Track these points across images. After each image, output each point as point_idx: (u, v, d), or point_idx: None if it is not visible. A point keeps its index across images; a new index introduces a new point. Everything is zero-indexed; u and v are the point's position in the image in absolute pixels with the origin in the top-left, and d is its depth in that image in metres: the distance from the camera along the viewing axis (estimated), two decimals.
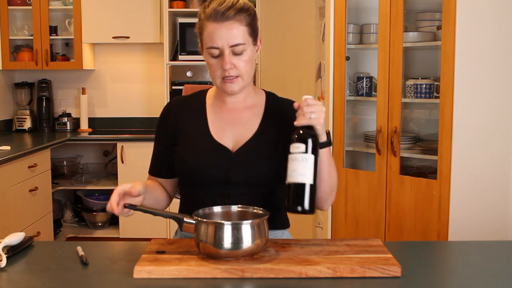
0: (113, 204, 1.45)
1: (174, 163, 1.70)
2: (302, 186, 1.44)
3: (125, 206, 1.47)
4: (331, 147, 1.60)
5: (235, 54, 1.57)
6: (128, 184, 1.48)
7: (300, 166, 1.44)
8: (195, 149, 1.66)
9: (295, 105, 1.51)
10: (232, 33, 1.55)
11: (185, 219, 1.43)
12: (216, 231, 1.35)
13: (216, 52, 1.57)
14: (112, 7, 4.41)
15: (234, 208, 1.52)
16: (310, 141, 1.46)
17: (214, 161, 1.64)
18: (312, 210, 1.45)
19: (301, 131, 1.47)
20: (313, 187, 1.45)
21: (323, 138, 1.51)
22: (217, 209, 1.51)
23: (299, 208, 1.44)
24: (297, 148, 1.45)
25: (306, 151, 1.45)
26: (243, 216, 1.49)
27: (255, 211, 1.49)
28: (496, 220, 2.80)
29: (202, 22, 1.59)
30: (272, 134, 1.67)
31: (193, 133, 1.68)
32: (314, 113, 1.47)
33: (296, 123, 1.48)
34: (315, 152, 1.46)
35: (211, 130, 1.67)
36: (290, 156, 1.46)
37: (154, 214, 1.47)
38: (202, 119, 1.70)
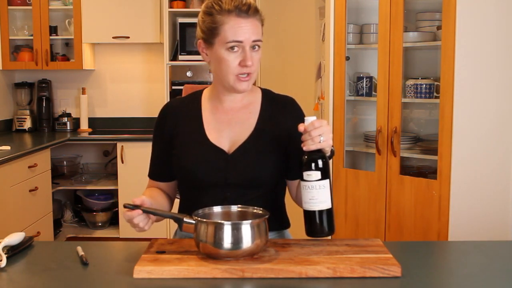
0: (129, 214, 1.46)
1: (173, 166, 1.69)
2: (325, 211, 1.44)
3: (124, 206, 1.47)
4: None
5: (253, 50, 1.59)
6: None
7: (319, 194, 1.43)
8: (192, 152, 1.65)
9: (300, 128, 1.45)
10: (256, 29, 1.59)
11: (185, 219, 1.43)
12: (216, 231, 1.35)
13: (237, 46, 1.57)
14: (112, 7, 4.41)
15: (234, 208, 1.52)
16: (323, 166, 1.43)
17: (210, 164, 1.63)
18: (334, 228, 1.47)
19: (312, 157, 1.43)
20: (332, 208, 1.46)
21: (328, 153, 1.48)
22: (217, 209, 1.50)
23: (328, 232, 1.46)
24: (312, 176, 1.43)
25: (321, 177, 1.43)
26: (243, 216, 1.49)
27: (255, 211, 1.48)
28: (496, 220, 2.80)
29: (219, 17, 1.58)
30: (270, 132, 1.66)
31: (189, 136, 1.68)
32: (323, 135, 1.43)
33: (305, 148, 1.44)
34: (328, 174, 1.44)
35: (207, 132, 1.67)
36: (305, 184, 1.44)
37: (154, 214, 1.48)
38: (198, 121, 1.69)
